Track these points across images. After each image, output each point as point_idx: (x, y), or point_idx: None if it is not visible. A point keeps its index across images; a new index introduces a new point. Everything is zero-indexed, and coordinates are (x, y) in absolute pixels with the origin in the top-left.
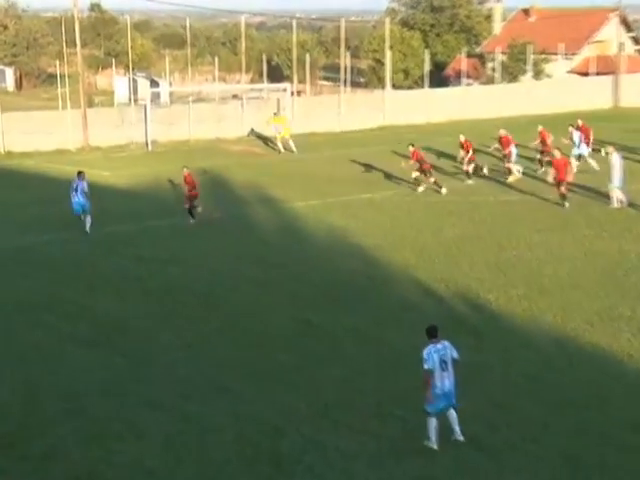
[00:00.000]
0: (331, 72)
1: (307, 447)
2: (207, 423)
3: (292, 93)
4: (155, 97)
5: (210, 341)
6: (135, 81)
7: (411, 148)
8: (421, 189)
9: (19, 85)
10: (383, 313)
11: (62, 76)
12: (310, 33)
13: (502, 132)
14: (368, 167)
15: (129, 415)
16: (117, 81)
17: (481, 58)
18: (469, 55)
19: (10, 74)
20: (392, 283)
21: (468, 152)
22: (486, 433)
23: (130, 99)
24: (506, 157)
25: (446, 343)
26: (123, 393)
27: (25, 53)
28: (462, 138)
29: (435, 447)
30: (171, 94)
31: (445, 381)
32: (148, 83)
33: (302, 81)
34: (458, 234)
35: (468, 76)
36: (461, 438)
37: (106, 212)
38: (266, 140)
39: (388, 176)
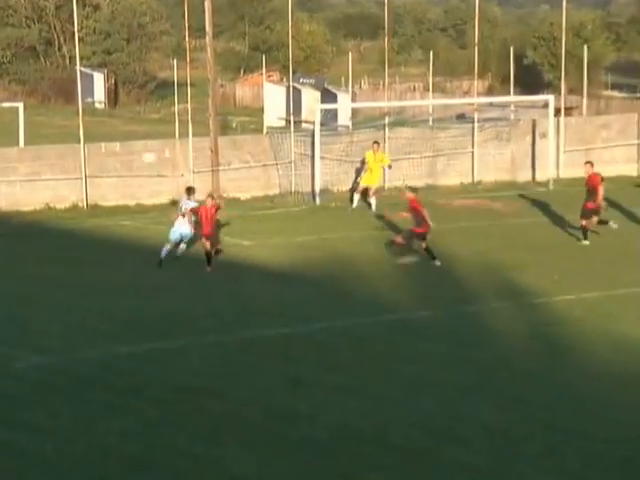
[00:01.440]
0: (628, 75)
1: None
2: None
3: (559, 111)
4: (329, 118)
5: None
6: (298, 92)
7: (410, 195)
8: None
9: (113, 98)
10: None
11: (181, 84)
12: (591, 10)
13: None
14: None
15: None
16: (268, 92)
17: None
18: None
19: (100, 81)
20: None
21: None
22: None
23: (289, 121)
24: None
25: None
26: None
27: (124, 48)
28: None
29: None
30: (355, 113)
31: None
32: (318, 95)
33: (576, 90)
34: None
35: None
36: None
37: (245, 306)
38: (505, 187)
39: None
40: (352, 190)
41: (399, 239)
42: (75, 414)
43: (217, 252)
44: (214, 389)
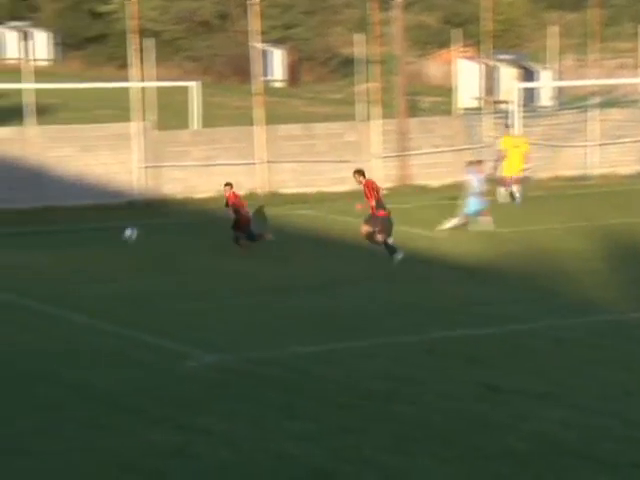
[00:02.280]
0: None
1: None
2: None
3: None
4: (529, 97)
5: None
6: (493, 70)
7: (360, 179)
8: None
9: (294, 76)
10: None
11: (368, 61)
12: None
13: None
14: None
15: None
16: (462, 69)
17: None
18: None
19: (279, 58)
20: None
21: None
22: None
23: (484, 101)
24: None
25: None
26: None
27: (305, 23)
28: None
29: None
30: (559, 92)
31: None
32: (516, 73)
33: None
34: None
35: None
36: None
37: (434, 304)
38: None
39: None
40: (498, 183)
41: (380, 237)
42: (251, 417)
43: (260, 238)
44: (401, 394)
